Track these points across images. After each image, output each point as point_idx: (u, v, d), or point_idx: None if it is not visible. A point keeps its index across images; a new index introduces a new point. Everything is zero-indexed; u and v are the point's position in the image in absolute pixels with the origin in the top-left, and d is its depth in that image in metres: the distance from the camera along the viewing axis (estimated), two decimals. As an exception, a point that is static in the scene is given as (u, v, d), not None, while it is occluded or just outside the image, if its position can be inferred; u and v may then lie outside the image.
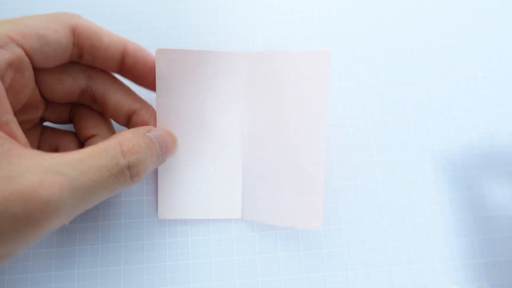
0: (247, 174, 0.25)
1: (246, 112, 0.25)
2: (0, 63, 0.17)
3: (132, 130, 0.20)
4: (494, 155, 0.27)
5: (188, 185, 0.25)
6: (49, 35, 0.19)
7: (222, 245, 0.25)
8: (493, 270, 0.25)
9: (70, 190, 0.16)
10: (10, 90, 0.19)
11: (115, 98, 0.23)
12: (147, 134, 0.21)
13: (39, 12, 0.29)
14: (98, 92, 0.23)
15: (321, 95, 0.24)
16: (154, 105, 0.25)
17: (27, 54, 0.19)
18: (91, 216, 0.25)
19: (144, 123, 0.23)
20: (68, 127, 0.26)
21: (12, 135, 0.17)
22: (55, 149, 0.23)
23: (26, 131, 0.22)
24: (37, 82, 0.21)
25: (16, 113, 0.21)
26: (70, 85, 0.22)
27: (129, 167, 0.18)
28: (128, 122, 0.23)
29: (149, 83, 0.23)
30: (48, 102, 0.23)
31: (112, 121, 0.26)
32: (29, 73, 0.20)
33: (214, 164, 0.25)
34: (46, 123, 0.24)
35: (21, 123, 0.21)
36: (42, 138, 0.23)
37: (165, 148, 0.22)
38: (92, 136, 0.23)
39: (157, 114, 0.24)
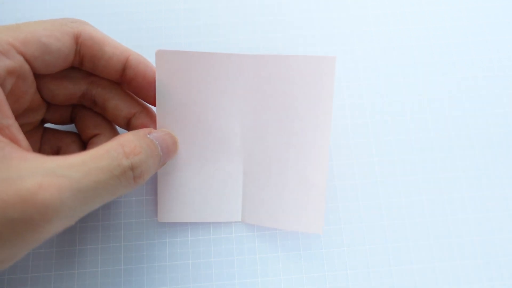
0: (248, 177, 0.25)
1: (247, 115, 0.24)
2: (0, 70, 0.17)
3: (133, 132, 0.20)
4: (494, 155, 0.27)
5: (188, 188, 0.25)
6: (51, 43, 0.19)
7: (222, 245, 0.25)
8: (493, 270, 0.25)
9: (71, 192, 0.15)
10: (11, 96, 0.19)
11: (114, 102, 0.23)
12: (148, 136, 0.20)
13: (38, 12, 0.29)
14: (98, 96, 0.23)
15: (325, 100, 0.23)
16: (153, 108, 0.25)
17: (27, 61, 0.19)
18: (91, 216, 0.25)
19: (143, 126, 0.23)
20: (69, 127, 0.26)
21: (13, 139, 0.17)
22: (57, 150, 0.23)
23: (27, 133, 0.22)
24: (38, 86, 0.21)
25: (17, 116, 0.21)
26: (70, 89, 0.22)
27: (132, 168, 0.18)
28: (128, 125, 0.23)
29: (149, 97, 0.23)
30: (49, 104, 0.23)
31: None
32: (30, 79, 0.20)
33: (214, 167, 0.25)
34: (47, 124, 0.24)
35: (22, 125, 0.21)
36: (44, 140, 0.23)
37: (166, 150, 0.22)
38: (95, 135, 0.23)
39: (157, 117, 0.24)
